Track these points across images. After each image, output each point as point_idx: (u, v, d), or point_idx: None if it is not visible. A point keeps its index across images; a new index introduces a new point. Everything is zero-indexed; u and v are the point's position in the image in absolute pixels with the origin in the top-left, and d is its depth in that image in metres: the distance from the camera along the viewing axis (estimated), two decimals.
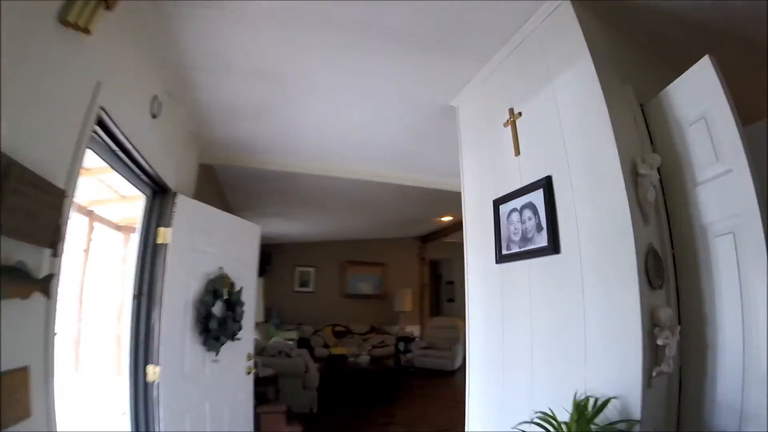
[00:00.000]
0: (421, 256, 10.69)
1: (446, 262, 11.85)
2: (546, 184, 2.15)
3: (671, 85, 1.96)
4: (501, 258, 2.45)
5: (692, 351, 1.85)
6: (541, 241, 2.15)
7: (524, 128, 2.40)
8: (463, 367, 9.01)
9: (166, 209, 2.95)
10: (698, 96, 1.83)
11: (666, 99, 1.99)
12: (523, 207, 2.31)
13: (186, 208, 3.09)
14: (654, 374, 1.69)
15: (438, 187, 5.13)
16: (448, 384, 8.02)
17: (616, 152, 1.82)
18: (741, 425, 1.60)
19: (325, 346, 8.15)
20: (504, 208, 2.47)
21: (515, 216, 2.36)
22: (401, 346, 8.81)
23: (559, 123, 2.15)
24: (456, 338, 8.93)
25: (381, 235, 10.01)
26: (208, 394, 3.17)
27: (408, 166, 4.66)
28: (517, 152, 2.42)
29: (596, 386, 1.78)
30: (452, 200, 6.55)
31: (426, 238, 10.45)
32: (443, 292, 11.91)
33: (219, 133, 3.72)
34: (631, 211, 1.75)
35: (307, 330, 8.66)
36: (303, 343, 7.60)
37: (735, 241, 1.68)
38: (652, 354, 1.69)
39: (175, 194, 3.01)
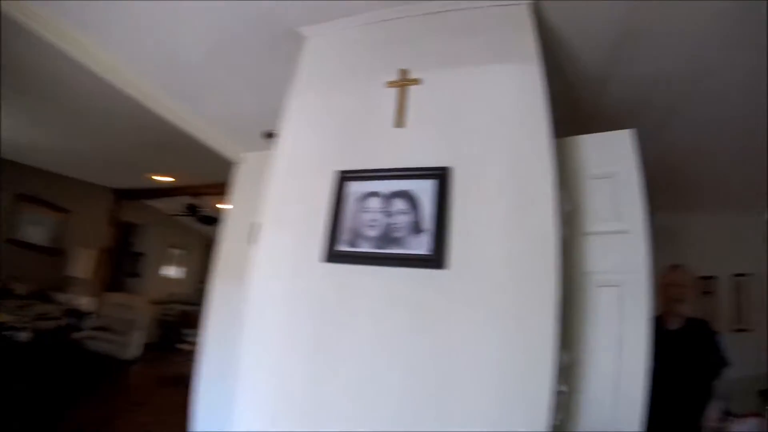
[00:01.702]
0: (112, 214, 8.44)
1: (141, 228, 9.80)
2: (442, 176, 1.63)
3: (588, 136, 1.92)
4: (335, 255, 1.74)
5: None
6: (418, 246, 1.59)
7: (421, 99, 1.85)
8: (142, 358, 7.49)
9: None
10: (613, 158, 1.85)
11: (576, 145, 1.91)
12: (394, 195, 1.71)
13: None
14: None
15: (195, 133, 3.89)
16: (125, 376, 6.38)
17: (552, 172, 1.57)
18: None
19: None
20: (355, 187, 1.80)
21: (375, 203, 1.73)
22: (71, 321, 6.59)
23: (483, 112, 1.74)
24: (133, 321, 7.27)
25: (73, 171, 7.31)
26: None
27: (178, 88, 3.32)
28: (400, 124, 1.82)
29: None
30: (192, 159, 5.31)
31: (125, 194, 8.33)
32: (128, 264, 9.73)
33: None
34: (560, 240, 1.51)
35: None
36: None
37: (619, 294, 1.68)
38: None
39: None
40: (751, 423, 2.30)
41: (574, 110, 2.54)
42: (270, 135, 3.11)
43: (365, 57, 2.11)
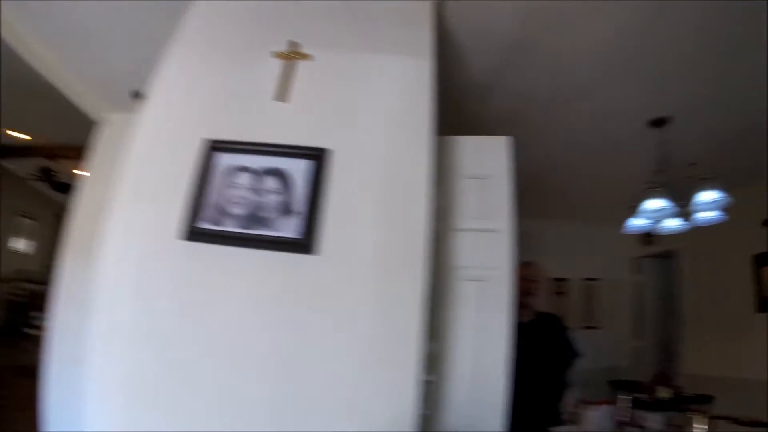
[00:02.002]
0: None
1: None
2: (320, 158, 1.54)
3: (467, 137, 1.96)
4: (195, 233, 1.54)
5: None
6: (287, 229, 1.48)
7: (308, 76, 1.74)
8: None
9: None
10: (489, 161, 1.92)
11: (455, 145, 1.95)
12: (267, 172, 1.58)
13: None
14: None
15: (60, 86, 3.35)
16: None
17: (429, 167, 1.57)
18: None
19: None
20: (225, 160, 1.63)
21: (246, 179, 1.59)
22: None
23: (369, 99, 1.69)
24: None
25: None
26: None
27: (49, 31, 2.80)
28: (283, 98, 1.70)
29: None
30: (53, 115, 4.51)
31: None
32: None
33: None
34: (431, 233, 1.52)
35: None
36: None
37: (484, 288, 1.75)
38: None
39: None
40: (603, 409, 2.52)
41: (456, 112, 2.62)
42: (138, 95, 2.77)
43: (256, 23, 1.94)
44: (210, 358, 1.44)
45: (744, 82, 2.48)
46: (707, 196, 2.61)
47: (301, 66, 1.77)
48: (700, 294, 4.56)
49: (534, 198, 4.18)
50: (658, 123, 2.82)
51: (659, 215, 2.75)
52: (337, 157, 1.56)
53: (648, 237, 4.66)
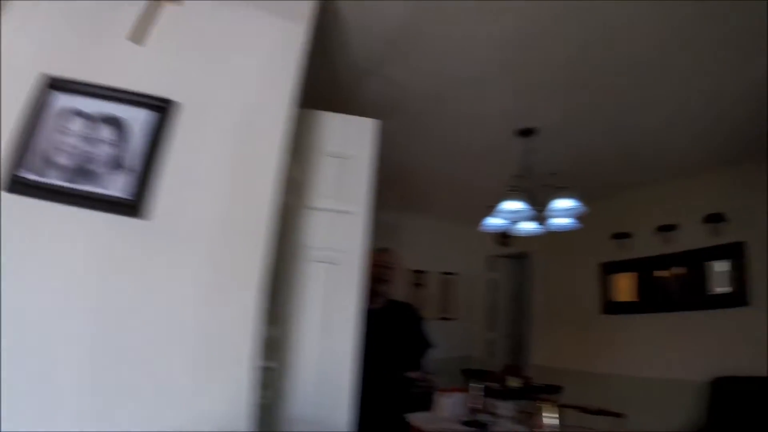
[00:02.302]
0: None
1: None
2: (165, 110, 1.40)
3: (333, 114, 1.89)
4: (16, 184, 1.31)
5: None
6: (115, 187, 1.33)
7: (174, 21, 1.57)
8: None
9: None
10: (354, 141, 1.86)
11: (320, 119, 1.86)
12: (104, 120, 1.40)
13: None
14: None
15: None
16: None
17: (284, 137, 1.50)
18: None
19: None
20: (62, 101, 1.41)
21: (79, 124, 1.39)
22: None
23: (233, 56, 1.57)
24: None
25: None
26: None
27: None
28: (140, 41, 1.51)
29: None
30: None
31: None
32: None
33: None
34: (279, 207, 1.46)
35: None
36: None
37: (334, 271, 1.70)
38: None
39: None
40: (456, 396, 2.62)
41: (331, 90, 2.56)
42: None
43: None
44: (18, 333, 1.22)
45: (609, 106, 2.72)
46: (563, 203, 2.79)
47: (168, 9, 1.59)
48: (550, 293, 5.03)
49: (399, 190, 4.30)
50: (526, 133, 3.00)
51: (516, 216, 2.91)
52: (184, 111, 1.43)
53: (504, 237, 5.05)
